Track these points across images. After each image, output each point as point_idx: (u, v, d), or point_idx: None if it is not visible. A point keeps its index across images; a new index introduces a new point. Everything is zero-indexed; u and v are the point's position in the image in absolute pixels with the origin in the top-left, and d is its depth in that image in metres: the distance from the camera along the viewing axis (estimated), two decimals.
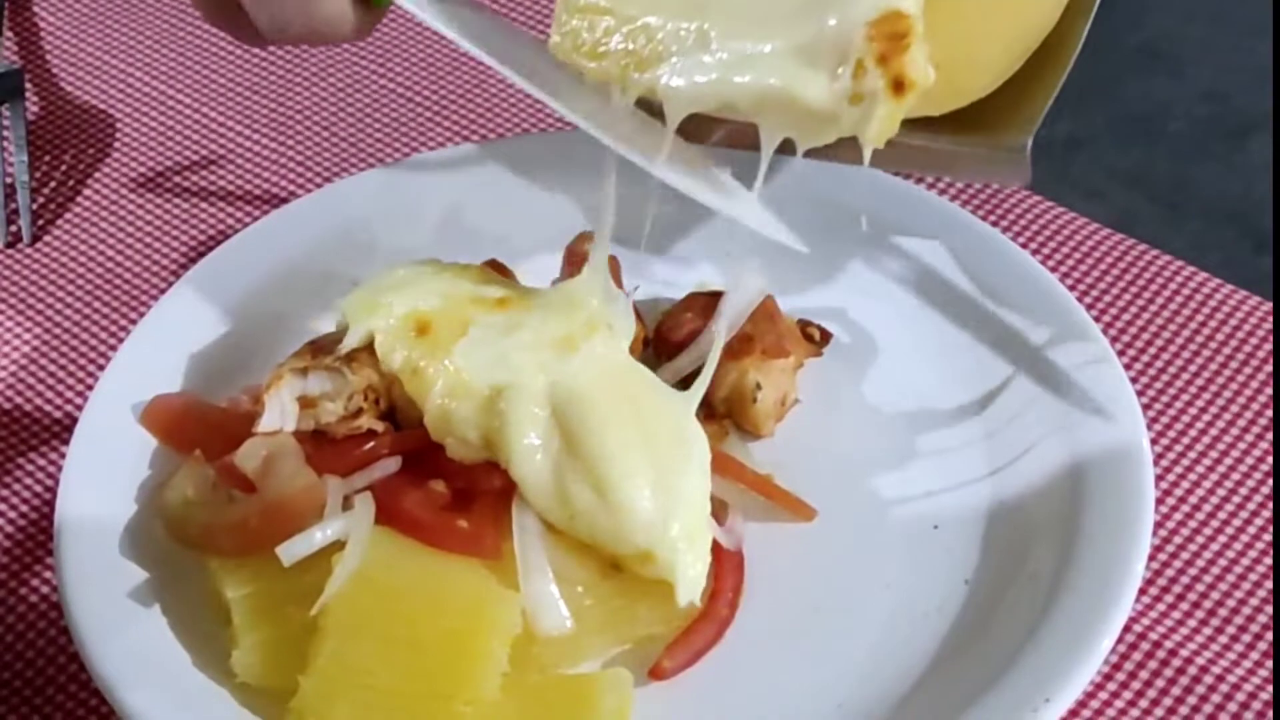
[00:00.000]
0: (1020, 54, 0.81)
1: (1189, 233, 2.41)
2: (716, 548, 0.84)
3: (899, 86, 0.71)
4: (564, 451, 0.82)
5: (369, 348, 0.86)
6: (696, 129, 0.79)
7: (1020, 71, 0.80)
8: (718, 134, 0.81)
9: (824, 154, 0.77)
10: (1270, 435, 0.91)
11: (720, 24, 0.76)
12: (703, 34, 0.76)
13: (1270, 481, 0.89)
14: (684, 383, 0.89)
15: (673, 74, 0.77)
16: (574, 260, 0.93)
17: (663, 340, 0.93)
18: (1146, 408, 0.92)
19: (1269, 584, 0.85)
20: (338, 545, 0.81)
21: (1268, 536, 0.87)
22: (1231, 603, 0.85)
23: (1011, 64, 0.80)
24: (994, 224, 1.01)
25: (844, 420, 0.92)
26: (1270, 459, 0.90)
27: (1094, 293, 0.99)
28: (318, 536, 0.81)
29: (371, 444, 0.85)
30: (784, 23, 0.74)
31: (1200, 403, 0.93)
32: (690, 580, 0.82)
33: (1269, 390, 0.93)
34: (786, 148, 0.77)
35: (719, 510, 0.85)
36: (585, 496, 0.81)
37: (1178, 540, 0.87)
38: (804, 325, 0.94)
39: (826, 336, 0.94)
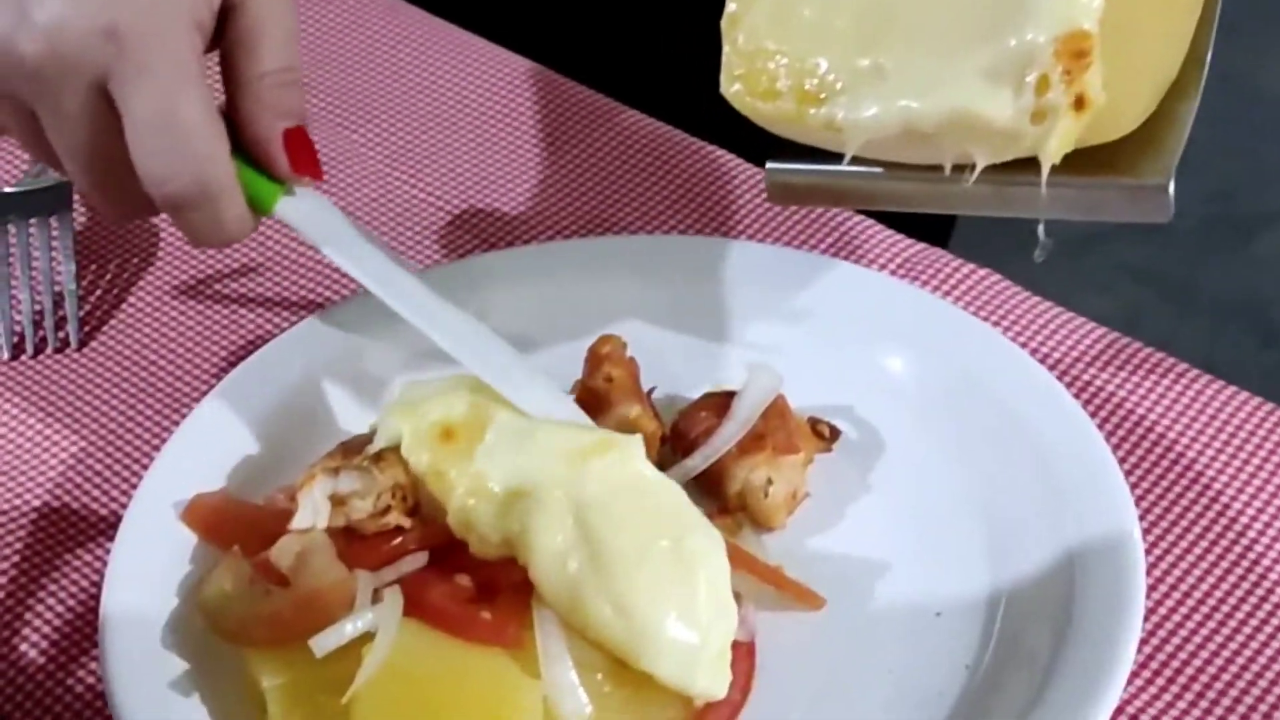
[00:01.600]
0: (1159, 92, 0.84)
1: (1198, 327, 2.44)
2: None
3: (1079, 103, 0.76)
4: (587, 564, 0.84)
5: (397, 447, 0.89)
6: None
7: (1150, 117, 0.84)
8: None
9: (996, 180, 0.81)
10: (1267, 528, 0.95)
11: (895, 53, 0.80)
12: (878, 65, 0.80)
13: (1259, 571, 0.93)
14: (696, 481, 0.93)
15: (852, 105, 0.81)
16: (595, 362, 0.98)
17: (679, 437, 0.96)
18: (1140, 499, 0.95)
19: (1255, 666, 0.88)
20: (367, 636, 0.84)
21: (1254, 622, 0.91)
22: (1220, 685, 0.88)
23: (1153, 101, 0.83)
24: (995, 324, 1.05)
25: (851, 513, 0.96)
26: (1264, 549, 0.93)
27: (1091, 388, 1.02)
28: (348, 629, 0.84)
29: (399, 539, 0.89)
30: (964, 46, 0.78)
31: (1191, 494, 0.97)
32: (708, 692, 0.85)
33: (1271, 486, 0.97)
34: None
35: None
36: (604, 613, 0.83)
37: (1169, 626, 0.91)
38: (814, 422, 0.97)
39: (836, 433, 0.97)
